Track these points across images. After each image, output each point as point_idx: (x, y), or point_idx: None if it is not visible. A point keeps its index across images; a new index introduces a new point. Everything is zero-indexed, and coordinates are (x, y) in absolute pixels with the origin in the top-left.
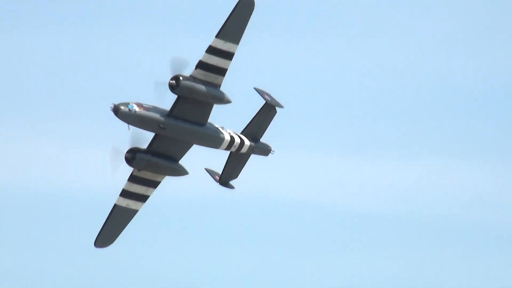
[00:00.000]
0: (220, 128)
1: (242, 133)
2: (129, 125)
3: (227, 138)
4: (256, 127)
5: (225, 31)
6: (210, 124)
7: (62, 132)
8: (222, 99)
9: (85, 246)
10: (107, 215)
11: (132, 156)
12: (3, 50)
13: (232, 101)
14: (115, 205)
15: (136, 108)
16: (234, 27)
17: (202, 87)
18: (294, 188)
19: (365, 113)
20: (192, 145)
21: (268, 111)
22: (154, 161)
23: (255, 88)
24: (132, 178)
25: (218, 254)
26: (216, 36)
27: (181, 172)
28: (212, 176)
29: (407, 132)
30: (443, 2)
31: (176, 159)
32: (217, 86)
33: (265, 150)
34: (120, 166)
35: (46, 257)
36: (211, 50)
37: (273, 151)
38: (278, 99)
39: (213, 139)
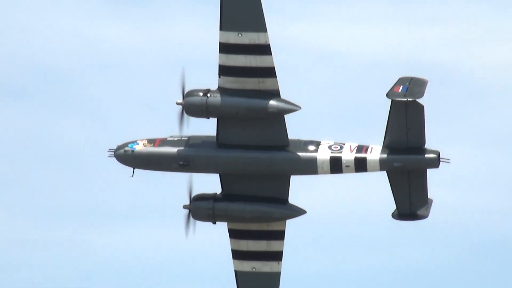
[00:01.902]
0: (315, 146)
1: (385, 145)
2: (135, 169)
3: (323, 157)
4: (398, 134)
5: (227, 19)
6: (304, 142)
7: None
8: (264, 109)
9: None
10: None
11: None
12: None
13: (302, 106)
14: (236, 272)
15: (139, 147)
16: (240, 12)
17: (216, 100)
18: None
19: None
20: (289, 176)
21: (403, 108)
22: (221, 208)
23: (400, 79)
24: (234, 234)
25: None
26: (221, 29)
27: (281, 214)
28: None
29: None
30: None
31: (275, 199)
32: (269, 92)
33: (425, 161)
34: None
35: None
36: (224, 48)
37: (448, 160)
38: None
39: (295, 163)
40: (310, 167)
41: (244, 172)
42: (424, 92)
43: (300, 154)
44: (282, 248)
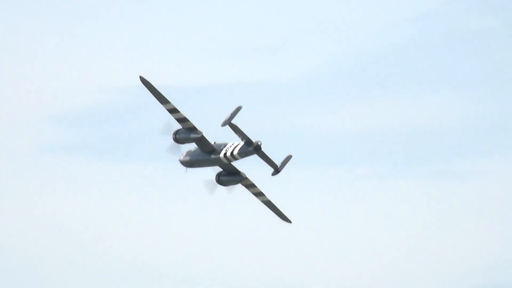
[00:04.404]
0: (224, 147)
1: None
2: (187, 168)
3: (221, 155)
4: (243, 138)
5: None
6: (224, 145)
7: None
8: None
9: None
10: None
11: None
12: None
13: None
14: (262, 202)
15: (181, 156)
16: None
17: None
18: None
19: None
20: (228, 163)
21: (236, 128)
22: (219, 179)
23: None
24: (246, 187)
25: None
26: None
27: (238, 179)
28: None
29: None
30: None
31: (236, 172)
32: (191, 128)
33: (250, 150)
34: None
35: None
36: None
37: (259, 142)
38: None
39: (217, 160)
40: (220, 161)
41: (209, 166)
42: (231, 120)
43: (214, 156)
44: (260, 190)
